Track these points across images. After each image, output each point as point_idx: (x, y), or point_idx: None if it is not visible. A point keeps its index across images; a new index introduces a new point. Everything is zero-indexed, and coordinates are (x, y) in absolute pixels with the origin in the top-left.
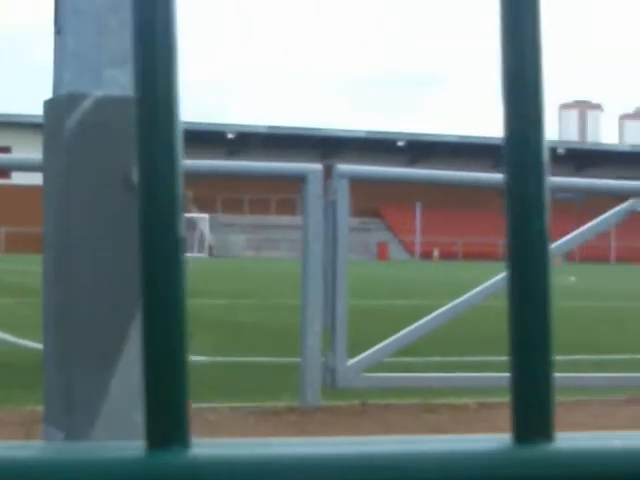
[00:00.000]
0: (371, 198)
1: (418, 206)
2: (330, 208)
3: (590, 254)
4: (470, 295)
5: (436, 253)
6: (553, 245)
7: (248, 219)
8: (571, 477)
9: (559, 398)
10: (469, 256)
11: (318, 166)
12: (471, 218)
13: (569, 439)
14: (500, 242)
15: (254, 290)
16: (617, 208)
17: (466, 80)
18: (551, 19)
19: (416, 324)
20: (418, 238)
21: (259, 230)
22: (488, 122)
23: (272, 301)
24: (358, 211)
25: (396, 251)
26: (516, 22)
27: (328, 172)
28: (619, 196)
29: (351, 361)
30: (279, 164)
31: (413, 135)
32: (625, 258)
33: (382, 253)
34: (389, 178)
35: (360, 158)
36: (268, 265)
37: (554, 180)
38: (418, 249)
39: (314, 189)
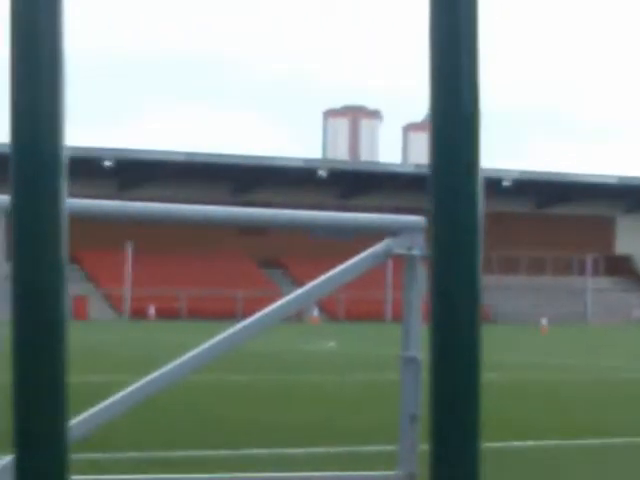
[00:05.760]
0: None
1: (129, 248)
2: None
3: (361, 311)
4: (174, 366)
5: (152, 310)
6: (275, 306)
7: None
8: None
9: None
10: (196, 313)
11: None
12: (199, 264)
13: None
14: (240, 295)
15: None
16: (368, 252)
17: None
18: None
19: (97, 407)
20: (128, 291)
21: None
22: None
23: None
24: None
25: (98, 307)
26: None
27: None
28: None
29: None
30: None
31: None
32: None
33: (79, 310)
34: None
35: None
36: None
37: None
38: (128, 305)
39: None
